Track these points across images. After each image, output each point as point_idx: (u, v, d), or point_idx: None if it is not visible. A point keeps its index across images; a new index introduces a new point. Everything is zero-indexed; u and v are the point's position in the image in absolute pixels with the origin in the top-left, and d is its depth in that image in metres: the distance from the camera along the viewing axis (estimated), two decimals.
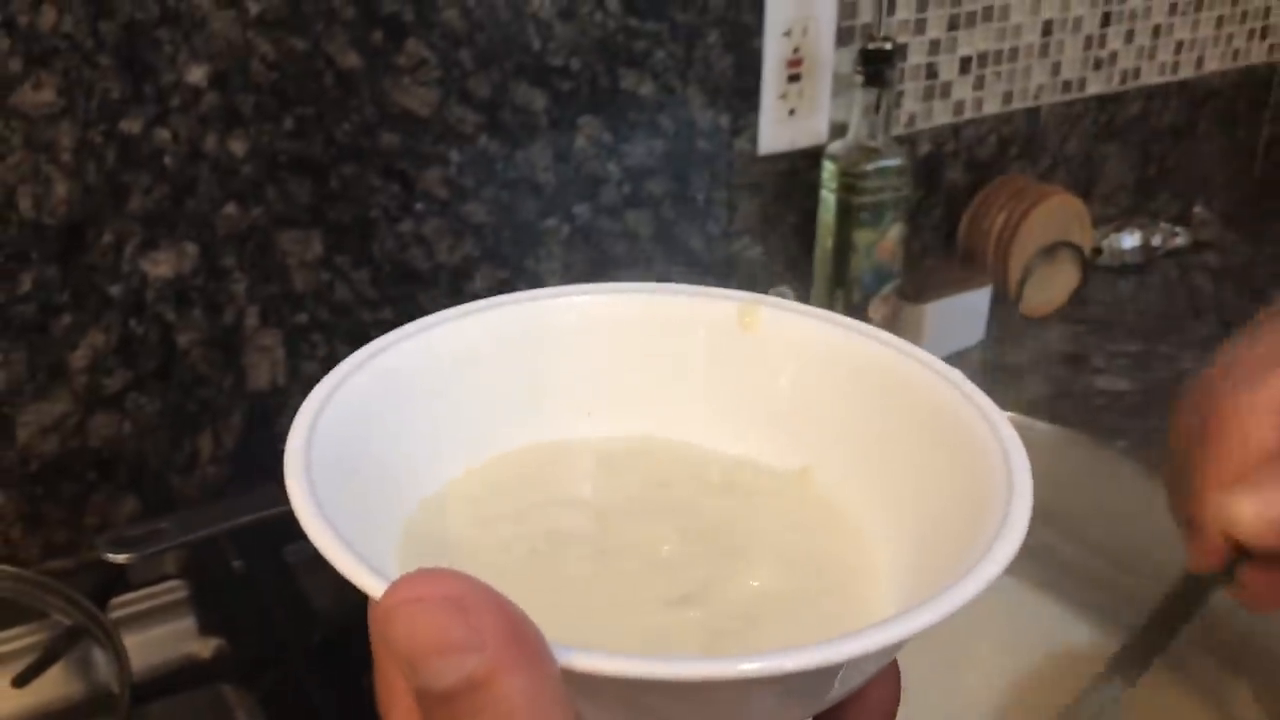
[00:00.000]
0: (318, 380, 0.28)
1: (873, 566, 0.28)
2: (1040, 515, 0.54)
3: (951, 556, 0.24)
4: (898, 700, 0.27)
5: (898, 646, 0.22)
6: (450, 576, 0.20)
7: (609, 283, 0.32)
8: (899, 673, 0.27)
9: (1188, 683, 0.52)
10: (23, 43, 0.62)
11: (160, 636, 0.68)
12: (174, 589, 0.70)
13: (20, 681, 0.60)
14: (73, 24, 0.63)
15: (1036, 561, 0.56)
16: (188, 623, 0.70)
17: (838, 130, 0.92)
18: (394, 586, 0.20)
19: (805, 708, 0.24)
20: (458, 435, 0.30)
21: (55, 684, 0.62)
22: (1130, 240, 1.14)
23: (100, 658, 0.60)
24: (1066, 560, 0.56)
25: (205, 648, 0.69)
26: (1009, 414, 0.28)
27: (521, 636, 0.20)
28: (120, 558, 0.56)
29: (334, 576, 0.23)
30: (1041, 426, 0.54)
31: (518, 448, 0.31)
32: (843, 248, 0.89)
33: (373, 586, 0.21)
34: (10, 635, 0.64)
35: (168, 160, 0.68)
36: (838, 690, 0.24)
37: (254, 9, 0.68)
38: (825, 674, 0.22)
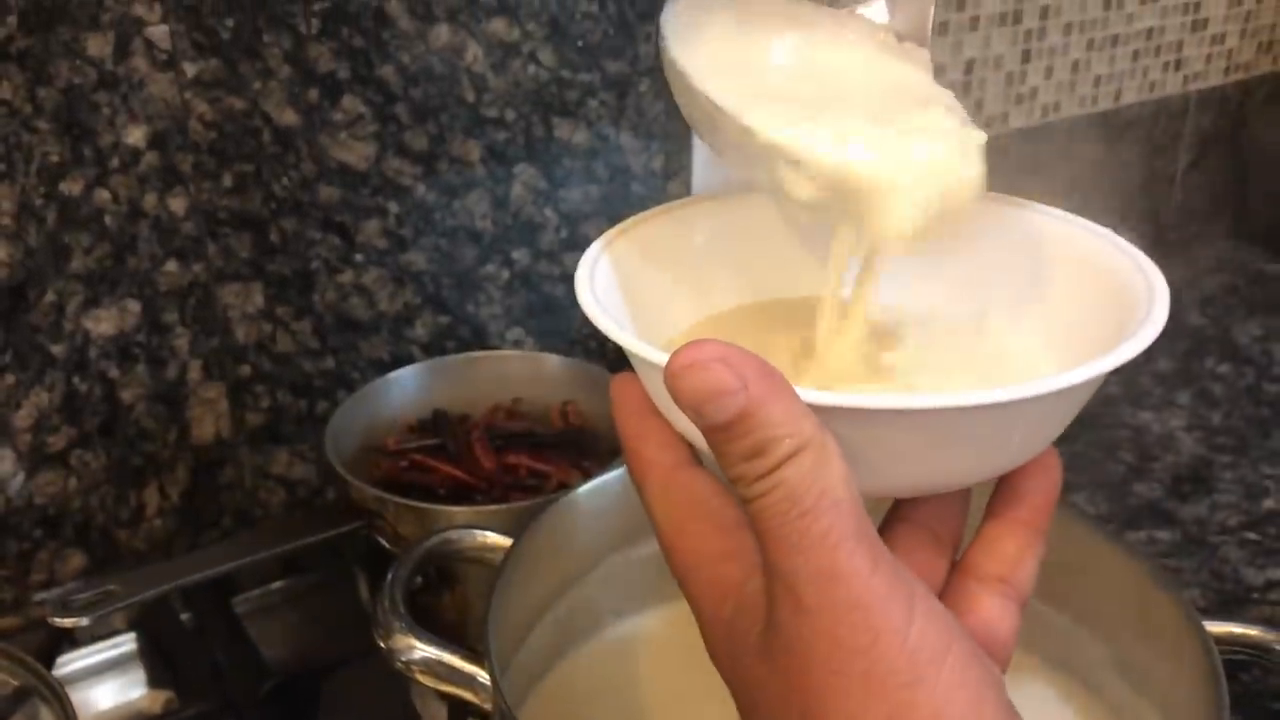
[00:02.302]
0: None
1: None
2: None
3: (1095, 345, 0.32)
4: (1054, 495, 0.34)
5: (1064, 394, 0.30)
6: (713, 342, 0.28)
7: None
8: (1059, 467, 0.34)
9: (1097, 703, 0.54)
10: None
11: (109, 691, 0.69)
12: (122, 643, 0.71)
13: None
14: (10, 91, 0.64)
15: None
16: (137, 676, 0.70)
17: None
18: (674, 356, 0.28)
19: (994, 451, 0.31)
20: (699, 291, 0.38)
21: None
22: None
23: (48, 717, 0.61)
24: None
25: (155, 701, 0.69)
26: None
27: (773, 377, 0.28)
28: (67, 622, 0.57)
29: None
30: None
31: (755, 301, 0.39)
32: None
33: (655, 357, 0.30)
34: None
35: (108, 220, 0.69)
36: (1020, 436, 0.31)
37: (191, 70, 0.69)
38: (1017, 410, 0.29)
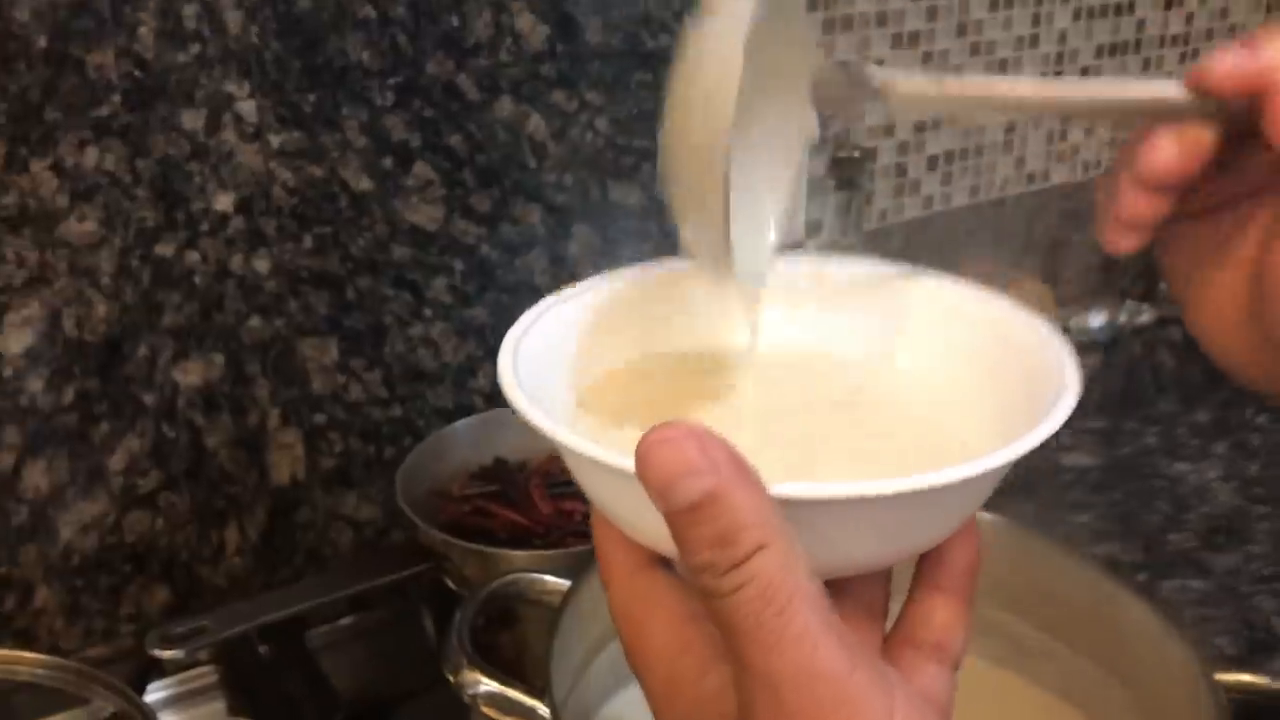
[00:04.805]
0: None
1: (956, 431, 0.37)
2: (996, 598, 0.59)
3: (1017, 416, 0.33)
4: (978, 562, 0.34)
5: (979, 480, 0.30)
6: (686, 423, 0.27)
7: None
8: (979, 537, 0.34)
9: None
10: (69, 181, 0.69)
11: (193, 719, 0.74)
12: (204, 674, 0.76)
13: None
14: (113, 162, 0.70)
15: (992, 639, 0.62)
16: (218, 705, 0.75)
17: (813, 228, 0.99)
18: (648, 434, 0.27)
19: (920, 531, 0.32)
20: (613, 349, 0.40)
21: None
22: (1098, 319, 1.20)
23: None
24: (1019, 637, 0.61)
25: None
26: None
27: (743, 465, 0.27)
28: (166, 654, 0.62)
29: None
30: (999, 520, 0.60)
31: (664, 351, 0.41)
32: None
33: (607, 459, 0.29)
34: None
35: (197, 279, 0.75)
36: (958, 509, 0.32)
37: (275, 141, 0.75)
38: (944, 493, 0.29)
